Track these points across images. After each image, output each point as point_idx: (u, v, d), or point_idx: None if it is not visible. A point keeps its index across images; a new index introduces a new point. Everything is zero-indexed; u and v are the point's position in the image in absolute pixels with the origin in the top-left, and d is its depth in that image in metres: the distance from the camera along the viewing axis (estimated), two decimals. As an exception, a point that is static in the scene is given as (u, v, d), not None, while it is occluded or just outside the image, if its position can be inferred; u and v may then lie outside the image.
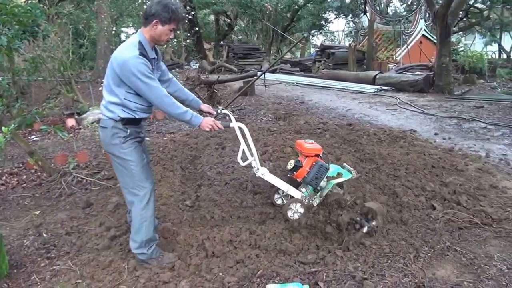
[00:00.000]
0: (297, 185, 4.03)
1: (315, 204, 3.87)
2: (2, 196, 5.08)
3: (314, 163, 3.87)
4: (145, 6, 15.65)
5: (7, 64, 7.70)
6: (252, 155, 3.82)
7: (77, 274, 3.33)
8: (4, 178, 5.58)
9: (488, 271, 3.16)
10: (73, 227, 4.14)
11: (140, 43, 3.15)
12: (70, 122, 8.84)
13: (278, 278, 3.11)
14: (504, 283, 3.02)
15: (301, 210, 3.79)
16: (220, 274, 3.21)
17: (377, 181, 4.78)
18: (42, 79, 9.61)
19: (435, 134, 7.38)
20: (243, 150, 3.86)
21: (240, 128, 3.75)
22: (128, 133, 3.25)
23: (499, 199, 4.32)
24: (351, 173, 4.01)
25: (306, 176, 3.84)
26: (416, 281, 3.04)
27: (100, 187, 5.16)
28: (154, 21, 3.14)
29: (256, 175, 3.91)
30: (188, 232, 3.78)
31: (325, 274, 3.13)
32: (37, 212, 4.60)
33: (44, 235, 4.02)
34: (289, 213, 3.79)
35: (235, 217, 4.18)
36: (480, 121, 8.21)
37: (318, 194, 3.92)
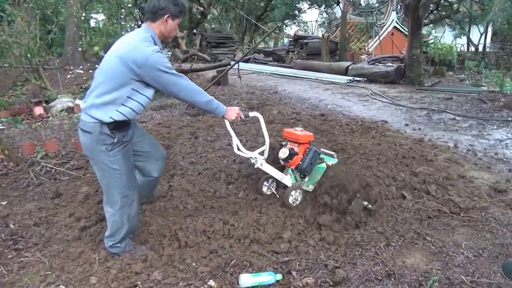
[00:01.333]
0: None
1: (310, 190, 4.06)
2: (-33, 186, 4.93)
3: (307, 150, 4.02)
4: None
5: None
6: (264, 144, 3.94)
7: (46, 265, 3.26)
8: (-32, 167, 5.41)
9: (455, 259, 3.24)
10: (41, 218, 4.04)
11: (152, 38, 3.04)
12: (38, 110, 8.61)
13: (252, 268, 3.11)
14: (471, 270, 3.11)
15: (301, 197, 3.99)
16: (193, 264, 3.20)
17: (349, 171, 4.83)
18: (8, 66, 9.34)
19: (406, 125, 7.49)
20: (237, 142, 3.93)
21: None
22: (115, 140, 3.03)
23: (466, 188, 4.43)
24: (334, 157, 4.23)
25: (301, 163, 3.96)
26: (387, 269, 3.10)
27: (70, 177, 5.05)
28: (166, 16, 3.03)
29: (255, 166, 3.93)
30: (160, 223, 3.74)
31: (298, 263, 3.16)
32: (4, 203, 4.48)
33: (12, 226, 3.92)
34: (290, 200, 3.97)
35: (208, 207, 4.16)
36: (449, 113, 8.37)
37: (309, 180, 4.10)
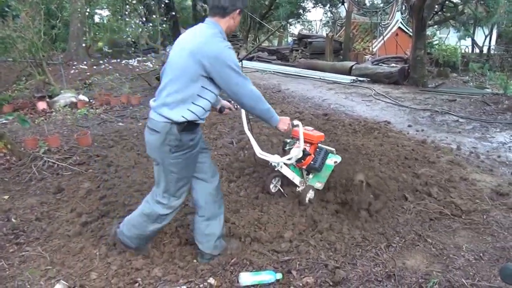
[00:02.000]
0: None
1: (320, 189, 4.24)
2: (-31, 180, 4.94)
3: (317, 150, 4.14)
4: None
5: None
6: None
7: (47, 260, 3.27)
8: (-29, 161, 5.42)
9: (456, 261, 3.24)
10: (43, 213, 4.06)
11: (220, 33, 2.91)
12: (41, 105, 8.62)
13: (252, 266, 3.12)
14: (471, 273, 3.10)
15: (313, 195, 4.19)
16: (194, 261, 3.21)
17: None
18: (12, 60, 9.35)
19: (409, 126, 7.47)
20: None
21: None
22: (181, 143, 2.90)
23: (468, 191, 4.42)
24: (334, 153, 4.38)
25: (313, 162, 4.06)
26: (387, 270, 3.09)
27: (72, 172, 5.05)
28: (237, 11, 2.94)
29: (276, 168, 4.02)
30: (161, 219, 3.74)
31: (298, 262, 3.16)
32: (6, 197, 4.49)
33: (13, 220, 3.93)
34: (306, 199, 4.10)
35: (209, 204, 4.16)
36: (452, 114, 8.35)
37: (316, 178, 4.27)
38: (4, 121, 7.72)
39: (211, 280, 2.96)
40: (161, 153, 2.93)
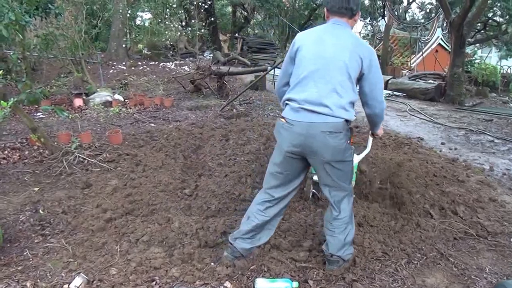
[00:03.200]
0: None
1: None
2: (3, 170, 5.09)
3: None
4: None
5: (18, 39, 7.72)
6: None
7: (70, 253, 3.35)
8: (6, 152, 5.59)
9: (478, 283, 3.14)
10: (70, 206, 4.16)
11: None
12: (78, 102, 8.86)
13: (269, 273, 3.10)
14: (493, 297, 3.01)
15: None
16: (212, 264, 3.21)
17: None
18: (53, 57, 9.63)
19: (442, 143, 7.33)
20: None
21: None
22: (350, 134, 3.01)
23: (497, 212, 4.29)
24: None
25: None
26: (406, 287, 3.03)
27: (101, 169, 5.16)
28: (359, 12, 3.04)
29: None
30: (183, 221, 3.78)
31: (315, 272, 3.12)
32: (36, 189, 4.62)
33: (41, 212, 4.04)
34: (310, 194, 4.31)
35: (231, 209, 4.19)
36: (488, 134, 8.15)
37: None
38: (41, 116, 7.95)
39: (227, 284, 2.96)
40: (342, 151, 2.93)
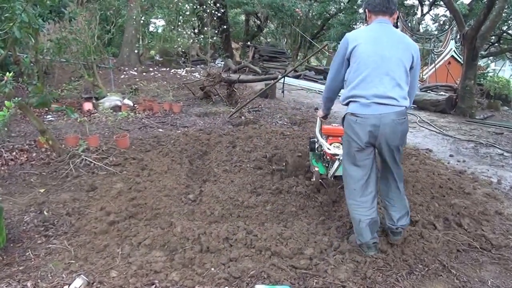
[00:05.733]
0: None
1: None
2: (10, 171, 5.15)
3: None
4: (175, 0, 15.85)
5: (31, 42, 7.81)
6: None
7: (71, 254, 3.37)
8: (14, 153, 5.66)
9: (479, 296, 3.11)
10: (74, 208, 4.19)
11: None
12: (87, 106, 8.93)
13: (269, 280, 3.09)
14: (495, 311, 2.97)
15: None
16: (212, 269, 3.21)
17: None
18: (66, 61, 9.74)
19: (450, 155, 7.28)
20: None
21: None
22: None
23: (502, 225, 4.24)
24: None
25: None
26: (406, 298, 3.00)
27: (107, 172, 5.19)
28: (397, 11, 3.38)
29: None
30: (185, 225, 3.78)
31: (315, 280, 3.11)
32: (42, 190, 4.66)
33: (45, 213, 4.08)
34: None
35: (234, 215, 4.19)
36: (498, 147, 8.07)
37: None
38: (51, 118, 8.03)
39: (226, 290, 2.96)
40: (406, 136, 3.41)
